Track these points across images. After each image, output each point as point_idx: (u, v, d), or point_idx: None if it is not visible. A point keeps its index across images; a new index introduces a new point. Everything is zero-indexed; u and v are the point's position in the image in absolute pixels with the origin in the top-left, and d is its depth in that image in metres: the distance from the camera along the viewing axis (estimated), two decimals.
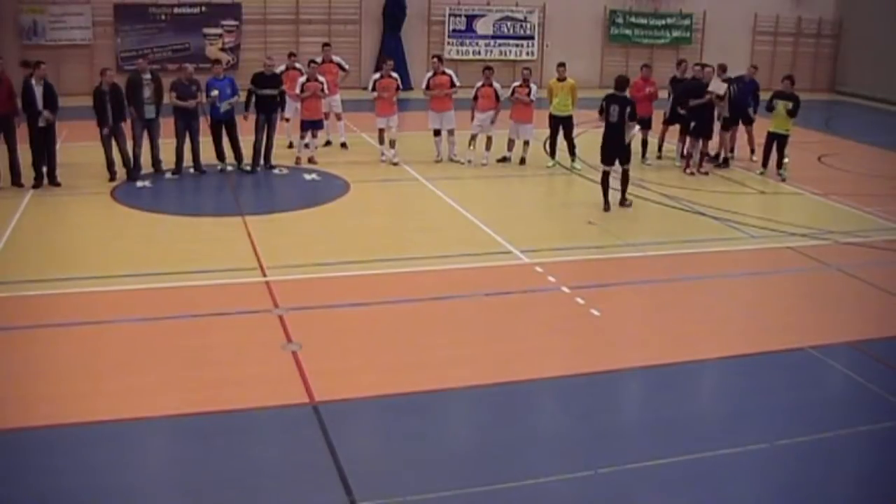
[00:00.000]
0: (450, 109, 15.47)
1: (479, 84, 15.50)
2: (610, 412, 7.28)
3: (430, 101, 15.53)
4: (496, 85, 15.48)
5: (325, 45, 17.44)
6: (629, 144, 13.03)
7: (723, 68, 16.03)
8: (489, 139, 15.56)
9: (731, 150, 16.41)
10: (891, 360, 8.21)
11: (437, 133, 15.66)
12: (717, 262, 11.03)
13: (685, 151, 15.89)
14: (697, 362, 8.16)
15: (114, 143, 13.73)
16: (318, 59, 16.20)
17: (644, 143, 16.17)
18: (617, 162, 13.00)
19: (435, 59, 16.26)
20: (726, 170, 15.97)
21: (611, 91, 13.17)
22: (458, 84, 15.64)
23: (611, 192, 13.01)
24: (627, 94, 13.18)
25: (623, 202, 13.20)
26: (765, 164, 15.64)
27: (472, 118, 15.55)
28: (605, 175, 13.03)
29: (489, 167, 15.61)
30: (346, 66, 17.29)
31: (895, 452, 6.79)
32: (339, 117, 16.68)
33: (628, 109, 12.79)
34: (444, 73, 15.60)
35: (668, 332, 8.76)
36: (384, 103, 15.25)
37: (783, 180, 15.24)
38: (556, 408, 7.36)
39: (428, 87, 15.54)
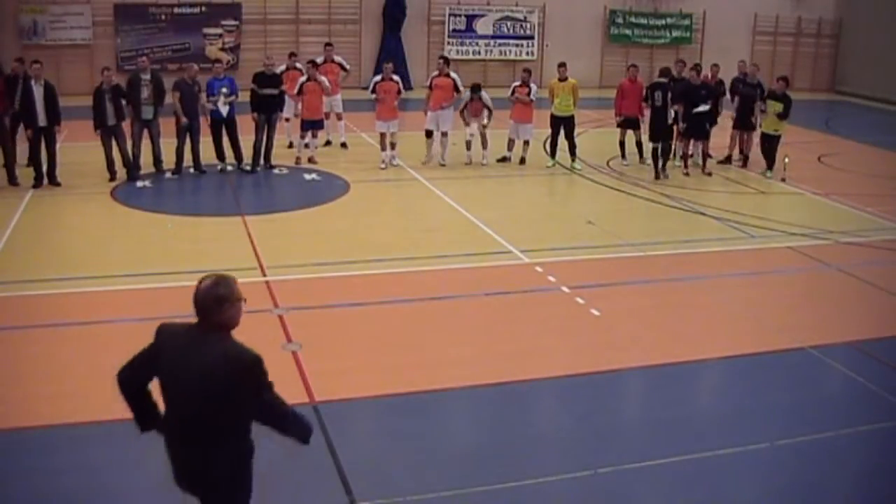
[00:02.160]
0: (447, 109, 15.37)
1: (466, 100, 15.52)
2: (610, 412, 7.28)
3: (430, 101, 15.44)
4: (486, 97, 15.49)
5: (328, 44, 17.45)
6: (672, 125, 15.13)
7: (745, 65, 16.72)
8: (484, 137, 15.53)
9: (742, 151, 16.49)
10: (891, 360, 8.20)
11: (429, 135, 15.52)
12: (717, 262, 11.03)
13: (683, 151, 15.87)
14: (697, 362, 8.16)
15: (114, 142, 13.74)
16: (319, 60, 16.20)
17: (639, 144, 16.16)
18: (660, 141, 15.12)
19: (441, 61, 16.05)
20: (727, 167, 16.01)
21: (656, 80, 15.63)
22: (461, 89, 15.54)
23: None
24: (668, 80, 15.42)
25: (661, 174, 15.03)
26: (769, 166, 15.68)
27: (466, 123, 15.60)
28: (655, 150, 15.08)
29: (489, 167, 15.61)
30: (348, 67, 17.31)
31: (895, 452, 6.79)
32: (339, 117, 16.68)
33: (669, 95, 15.03)
34: (447, 75, 15.51)
35: (668, 332, 8.76)
36: (385, 108, 15.11)
37: (767, 178, 15.23)
38: (556, 408, 7.36)
39: (430, 87, 15.50)
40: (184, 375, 4.28)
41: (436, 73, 15.73)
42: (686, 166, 15.57)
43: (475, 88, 15.57)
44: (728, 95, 16.60)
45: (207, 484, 4.34)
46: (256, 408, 4.36)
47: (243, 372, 4.26)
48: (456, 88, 15.41)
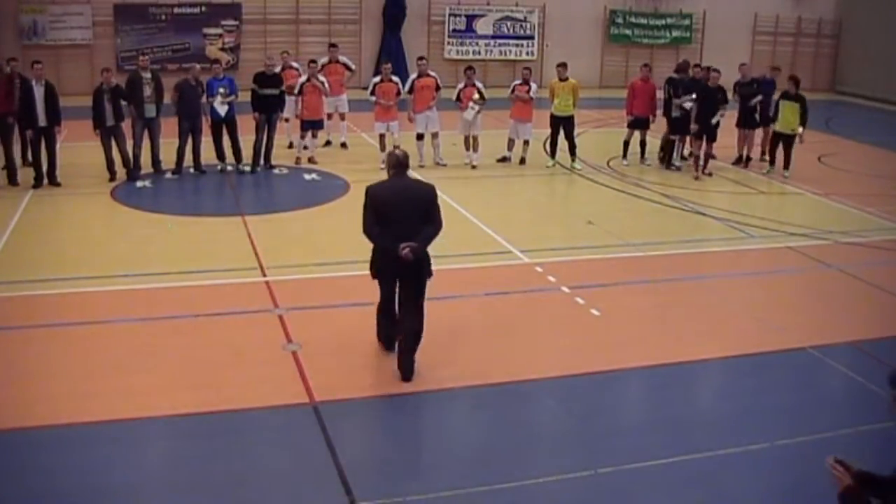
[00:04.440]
0: (432, 111, 15.20)
1: (462, 86, 15.43)
2: (610, 412, 7.27)
3: (414, 105, 15.27)
4: (479, 84, 15.43)
5: (332, 45, 17.35)
6: (678, 117, 15.48)
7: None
8: (475, 139, 15.38)
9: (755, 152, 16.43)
10: (891, 360, 8.18)
11: (419, 137, 15.33)
12: (717, 262, 11.03)
13: (692, 153, 15.60)
14: (698, 362, 8.16)
15: (113, 143, 13.73)
16: (324, 60, 16.16)
17: (642, 144, 16.15)
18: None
19: (421, 62, 15.79)
20: (738, 169, 15.97)
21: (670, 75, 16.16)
22: (441, 87, 15.40)
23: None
24: (677, 76, 15.92)
25: (670, 165, 15.92)
26: (772, 163, 15.62)
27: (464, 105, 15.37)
28: (671, 143, 15.91)
29: (489, 168, 15.57)
30: (353, 67, 17.26)
31: (895, 452, 6.79)
32: (342, 117, 16.64)
33: (671, 90, 15.66)
34: (428, 75, 15.37)
35: (668, 332, 8.76)
36: (384, 108, 15.07)
37: (786, 178, 15.25)
38: (556, 408, 7.35)
39: (411, 90, 15.30)
40: (400, 202, 7.26)
41: (415, 74, 15.51)
42: (696, 168, 15.29)
43: (472, 71, 15.59)
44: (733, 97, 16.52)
45: (417, 267, 7.32)
46: (437, 216, 7.40)
47: (432, 191, 7.45)
48: (437, 86, 15.27)
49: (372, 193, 7.29)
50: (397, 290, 7.56)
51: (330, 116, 16.14)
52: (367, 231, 7.29)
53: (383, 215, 7.22)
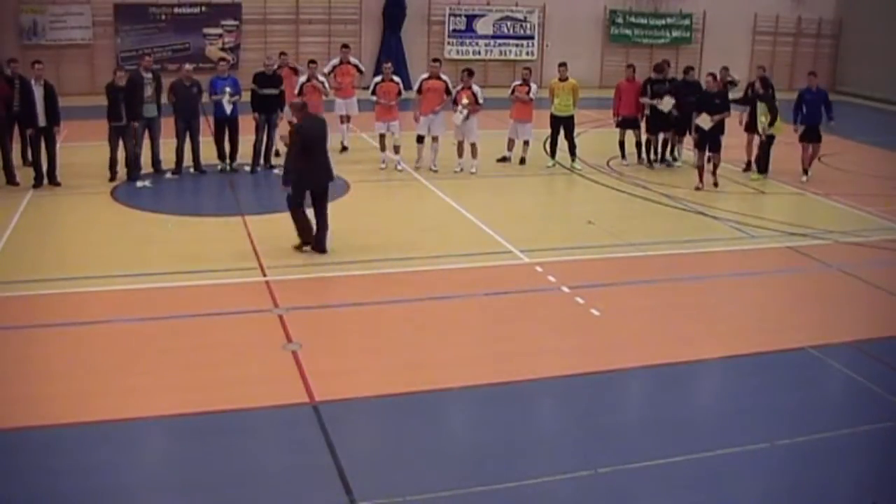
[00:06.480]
0: (438, 113, 14.96)
1: (459, 87, 15.18)
2: (610, 412, 7.27)
3: (420, 105, 15.12)
4: (475, 88, 15.04)
5: (344, 46, 17.18)
6: (648, 115, 15.75)
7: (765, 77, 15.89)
8: (473, 146, 15.13)
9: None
10: (891, 360, 8.20)
11: (420, 139, 15.18)
12: (717, 262, 11.04)
13: (697, 164, 15.17)
14: (697, 362, 8.16)
15: (120, 142, 13.69)
16: (316, 60, 16.10)
17: (638, 145, 16.12)
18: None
19: (434, 63, 15.70)
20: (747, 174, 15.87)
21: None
22: (451, 90, 15.19)
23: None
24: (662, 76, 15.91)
25: (662, 160, 16.20)
26: (760, 171, 15.46)
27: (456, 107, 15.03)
28: (648, 141, 16.06)
29: (489, 168, 15.55)
30: (363, 69, 17.18)
31: (895, 452, 6.79)
32: (348, 119, 16.59)
33: (650, 88, 15.77)
34: (438, 77, 15.20)
35: (668, 332, 8.76)
36: (384, 108, 14.99)
37: (752, 179, 15.15)
38: (556, 408, 7.36)
39: (419, 91, 15.18)
40: (321, 135, 10.63)
41: (426, 75, 15.34)
42: (700, 178, 14.67)
43: (467, 74, 15.11)
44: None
45: (326, 186, 10.63)
46: None
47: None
48: (447, 90, 15.05)
49: (304, 132, 10.28)
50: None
51: (341, 120, 16.10)
52: (293, 166, 10.30)
53: (311, 146, 10.21)
